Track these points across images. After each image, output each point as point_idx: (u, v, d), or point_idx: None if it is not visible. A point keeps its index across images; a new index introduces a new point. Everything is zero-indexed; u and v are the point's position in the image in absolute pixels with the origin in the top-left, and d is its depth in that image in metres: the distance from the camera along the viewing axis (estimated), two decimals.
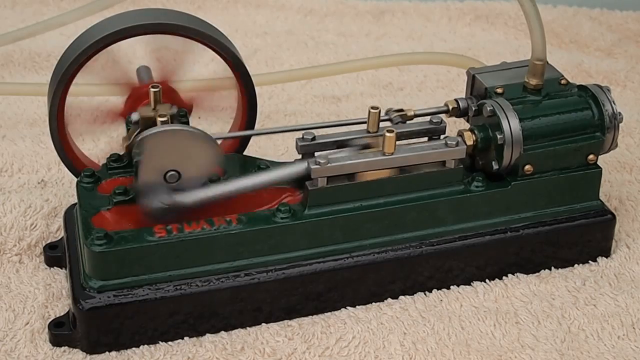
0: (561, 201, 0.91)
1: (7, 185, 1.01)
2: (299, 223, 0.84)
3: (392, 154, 0.84)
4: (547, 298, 0.89)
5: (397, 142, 0.85)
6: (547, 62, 0.91)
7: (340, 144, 0.87)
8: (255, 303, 0.84)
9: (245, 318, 0.85)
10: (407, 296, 0.88)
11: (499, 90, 0.90)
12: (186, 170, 0.82)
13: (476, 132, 0.88)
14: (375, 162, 0.84)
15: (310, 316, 0.87)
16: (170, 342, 0.83)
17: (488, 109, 0.88)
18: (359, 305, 0.88)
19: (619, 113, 0.90)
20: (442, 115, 0.91)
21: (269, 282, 0.84)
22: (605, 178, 1.00)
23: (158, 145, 0.81)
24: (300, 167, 0.84)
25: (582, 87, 0.92)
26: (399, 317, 0.86)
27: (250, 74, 0.90)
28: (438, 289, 0.89)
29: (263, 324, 0.86)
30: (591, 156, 0.90)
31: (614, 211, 0.94)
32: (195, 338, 0.84)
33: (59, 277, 0.90)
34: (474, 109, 0.91)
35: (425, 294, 0.89)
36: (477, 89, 0.93)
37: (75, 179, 0.88)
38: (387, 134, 0.84)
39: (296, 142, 0.88)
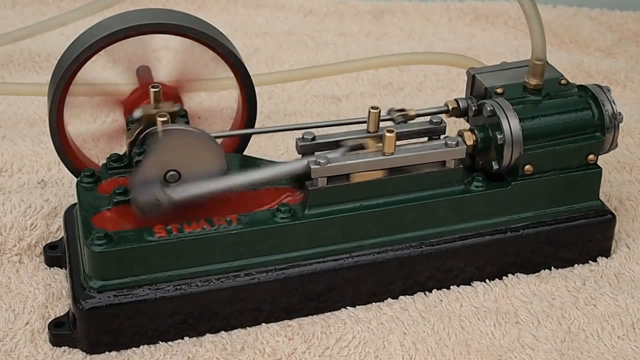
0: (561, 201, 0.91)
1: (7, 185, 1.01)
2: (299, 223, 0.84)
3: (392, 154, 0.84)
4: (547, 298, 0.89)
5: (397, 142, 0.85)
6: (547, 62, 0.91)
7: (340, 144, 0.87)
8: (255, 303, 0.84)
9: (245, 318, 0.85)
10: (407, 296, 0.88)
11: (499, 90, 0.90)
12: (187, 171, 0.82)
13: (476, 132, 0.88)
14: (376, 162, 0.84)
15: (310, 316, 0.87)
16: (170, 342, 0.83)
17: (488, 109, 0.88)
18: (359, 305, 0.88)
19: (619, 113, 0.90)
20: (442, 115, 0.91)
21: (269, 282, 0.84)
22: (605, 178, 1.00)
23: (167, 143, 0.81)
24: (299, 165, 0.84)
25: (582, 87, 0.92)
26: (399, 317, 0.86)
27: (250, 74, 0.90)
28: (438, 289, 0.89)
29: (263, 324, 0.86)
30: (591, 156, 0.90)
31: (614, 211, 0.94)
32: (195, 338, 0.84)
33: (59, 277, 0.90)
34: (474, 109, 0.91)
35: (425, 294, 0.89)
36: (477, 89, 0.93)
37: (75, 179, 0.88)
38: (387, 134, 0.84)
39: (296, 142, 0.88)
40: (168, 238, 0.81)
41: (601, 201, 0.93)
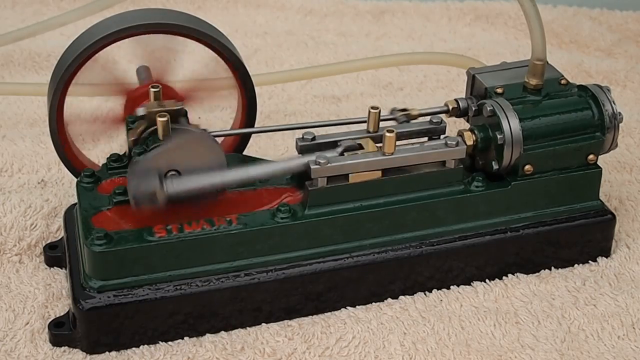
0: (561, 201, 0.91)
1: (7, 185, 1.01)
2: (299, 223, 0.84)
3: (392, 154, 0.84)
4: (547, 298, 0.89)
5: (397, 142, 0.85)
6: (547, 62, 0.91)
7: (340, 144, 0.87)
8: (255, 303, 0.84)
9: (245, 318, 0.85)
10: (407, 296, 0.88)
11: (499, 90, 0.90)
12: (187, 172, 0.82)
13: (476, 132, 0.88)
14: (376, 162, 0.84)
15: (310, 316, 0.87)
16: (170, 342, 0.83)
17: (488, 109, 0.88)
18: (359, 305, 0.88)
19: (619, 113, 0.90)
20: (442, 115, 0.91)
21: (269, 282, 0.84)
22: (605, 178, 1.00)
23: (184, 143, 0.81)
24: (298, 163, 0.84)
25: (582, 87, 0.92)
26: (399, 317, 0.86)
27: (250, 74, 0.90)
28: (438, 289, 0.89)
29: (263, 324, 0.86)
30: (591, 156, 0.90)
31: (614, 211, 0.94)
32: (195, 338, 0.84)
33: (59, 277, 0.90)
34: (474, 109, 0.91)
35: (425, 294, 0.89)
36: (477, 89, 0.93)
37: (75, 179, 0.88)
38: (387, 134, 0.84)
39: (296, 142, 0.88)
40: (168, 238, 0.81)
41: (601, 201, 0.93)
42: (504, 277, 0.91)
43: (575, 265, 0.93)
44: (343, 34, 1.37)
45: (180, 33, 0.86)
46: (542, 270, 0.92)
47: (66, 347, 0.83)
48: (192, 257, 0.82)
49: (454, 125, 1.09)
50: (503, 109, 0.87)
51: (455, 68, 1.22)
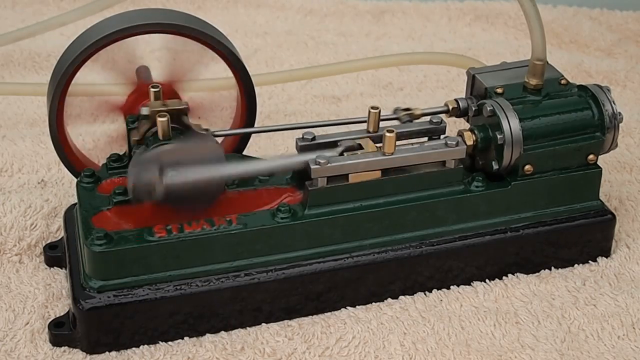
0: (561, 201, 0.91)
1: (7, 185, 1.01)
2: (299, 223, 0.84)
3: (392, 154, 0.84)
4: (547, 298, 0.89)
5: (397, 142, 0.85)
6: (547, 62, 0.91)
7: (340, 144, 0.87)
8: (255, 303, 0.84)
9: (245, 318, 0.85)
10: (407, 296, 0.88)
11: (499, 90, 0.90)
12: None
13: (476, 132, 0.88)
14: (375, 162, 0.84)
15: (310, 316, 0.87)
16: (170, 342, 0.83)
17: (488, 109, 0.88)
18: (359, 305, 0.88)
19: (619, 113, 0.90)
20: (442, 115, 0.91)
21: (269, 282, 0.84)
22: (605, 178, 1.00)
23: (188, 147, 0.81)
24: (297, 160, 0.84)
25: (582, 87, 0.91)
26: (399, 317, 0.86)
27: (250, 74, 0.90)
28: (438, 289, 0.89)
29: (263, 324, 0.86)
30: (591, 156, 0.90)
31: (614, 211, 0.94)
32: (195, 338, 0.84)
33: (59, 277, 0.90)
34: (474, 109, 0.91)
35: (425, 294, 0.89)
36: (477, 89, 0.93)
37: (75, 179, 0.88)
38: (387, 134, 0.84)
39: (296, 142, 0.88)
40: (168, 238, 0.81)
41: (601, 201, 0.93)
42: (504, 277, 0.91)
43: (575, 265, 0.93)
44: (343, 34, 1.37)
45: (180, 33, 0.86)
46: (542, 270, 0.92)
47: (66, 347, 0.83)
48: (192, 257, 0.82)
49: (454, 125, 1.09)
50: (503, 109, 0.87)
51: (455, 68, 1.22)
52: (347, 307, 0.87)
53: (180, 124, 0.84)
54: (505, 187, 0.88)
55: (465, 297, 0.89)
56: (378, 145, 0.86)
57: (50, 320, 0.84)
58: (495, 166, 0.88)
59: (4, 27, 1.30)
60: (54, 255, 0.92)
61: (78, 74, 0.86)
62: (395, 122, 0.90)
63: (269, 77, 1.16)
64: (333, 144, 0.87)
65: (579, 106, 0.89)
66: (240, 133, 0.92)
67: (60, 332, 0.83)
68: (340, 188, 0.84)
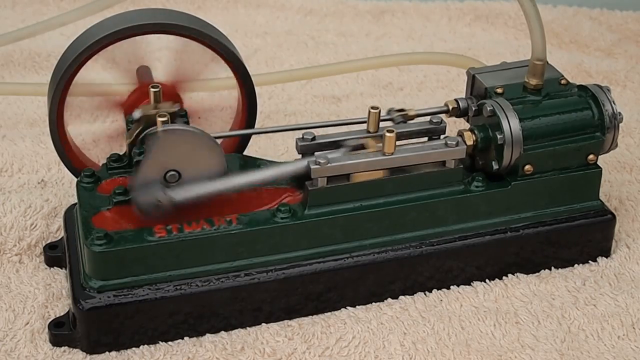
0: (561, 201, 0.91)
1: (7, 185, 1.01)
2: (299, 223, 0.84)
3: (392, 154, 0.84)
4: (547, 298, 0.89)
5: (397, 142, 0.85)
6: (547, 62, 0.91)
7: (340, 144, 0.87)
8: (255, 303, 0.84)
9: (245, 318, 0.85)
10: (407, 296, 0.88)
11: (499, 90, 0.90)
12: (186, 171, 0.82)
13: (476, 132, 0.88)
14: (376, 162, 0.84)
15: (310, 316, 0.87)
16: (170, 342, 0.83)
17: (488, 109, 0.88)
18: (359, 305, 0.88)
19: (619, 113, 0.90)
20: (442, 115, 0.91)
21: (269, 282, 0.84)
22: (605, 178, 1.00)
23: (167, 143, 0.81)
24: (300, 165, 0.84)
25: (582, 87, 0.92)
26: (399, 317, 0.86)
27: (250, 74, 0.90)
28: (438, 289, 0.89)
29: (263, 324, 0.86)
30: (591, 156, 0.90)
31: (614, 211, 0.94)
32: (195, 338, 0.84)
33: (59, 277, 0.90)
34: (474, 109, 0.91)
35: (425, 294, 0.89)
36: (477, 89, 0.93)
37: (75, 179, 0.88)
38: (387, 134, 0.84)
39: (296, 142, 0.88)
40: (168, 238, 0.81)
41: (601, 201, 0.93)
42: (504, 277, 0.91)
43: (575, 265, 0.93)
44: (343, 34, 1.37)
45: (180, 33, 0.86)
46: (542, 270, 0.92)
47: (66, 347, 0.83)
48: (192, 257, 0.82)
49: (454, 125, 1.09)
50: (503, 109, 0.87)
51: (455, 68, 1.22)
52: (347, 307, 0.87)
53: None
54: (505, 187, 0.88)
55: (465, 297, 0.89)
56: (378, 145, 0.86)
57: (50, 320, 0.84)
58: (495, 166, 0.88)
59: (4, 27, 1.30)
60: (54, 255, 0.92)
61: (78, 74, 0.86)
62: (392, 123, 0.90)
63: (269, 77, 1.16)
64: (333, 144, 0.87)
65: (579, 106, 0.89)
66: (240, 135, 0.92)
67: (60, 332, 0.83)
68: (340, 188, 0.84)
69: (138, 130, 0.85)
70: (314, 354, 0.83)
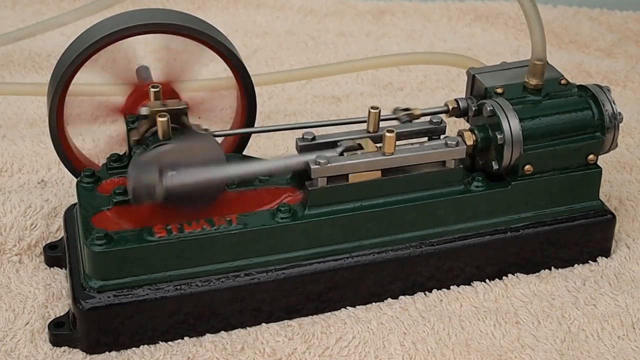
0: (561, 201, 0.91)
1: (7, 185, 1.01)
2: (299, 223, 0.84)
3: (392, 154, 0.84)
4: (547, 298, 0.89)
5: (397, 142, 0.85)
6: (547, 62, 0.91)
7: (340, 144, 0.87)
8: (255, 303, 0.84)
9: (245, 318, 0.85)
10: (407, 296, 0.88)
11: (499, 90, 0.90)
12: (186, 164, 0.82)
13: (476, 132, 0.88)
14: (375, 162, 0.84)
15: (310, 316, 0.87)
16: (170, 342, 0.83)
17: (488, 109, 0.88)
18: (359, 305, 0.88)
19: (619, 113, 0.90)
20: (442, 115, 0.91)
21: (269, 282, 0.84)
22: (605, 178, 1.00)
23: (188, 147, 0.81)
24: (299, 160, 0.84)
25: (582, 87, 0.92)
26: (399, 317, 0.86)
27: (250, 74, 0.90)
28: (438, 289, 0.89)
29: (263, 324, 0.86)
30: (591, 156, 0.90)
31: (614, 211, 0.94)
32: (195, 338, 0.84)
33: (59, 277, 0.90)
34: (474, 109, 0.91)
35: (425, 294, 0.89)
36: (477, 89, 0.93)
37: (75, 179, 0.88)
38: (387, 134, 0.84)
39: (296, 142, 0.88)
40: (168, 238, 0.81)
41: (601, 201, 0.93)
42: (504, 277, 0.91)
43: (575, 265, 0.93)
44: (343, 34, 1.37)
45: (180, 33, 0.86)
46: (542, 270, 0.92)
47: (66, 347, 0.83)
48: (192, 257, 0.82)
49: (454, 125, 1.09)
50: (503, 109, 0.87)
51: (455, 68, 1.22)
52: (347, 307, 0.87)
53: (180, 124, 0.84)
54: (505, 187, 0.88)
55: (465, 297, 0.89)
56: (378, 145, 0.86)
57: (50, 320, 0.84)
58: (495, 166, 0.88)
59: (4, 27, 1.30)
60: (54, 255, 0.92)
61: (78, 74, 0.86)
62: (395, 122, 0.90)
63: (269, 77, 1.16)
64: (333, 144, 0.87)
65: (579, 106, 0.89)
66: (240, 133, 0.92)
67: (60, 332, 0.83)
68: (340, 188, 0.84)
69: (145, 128, 0.84)
70: (314, 354, 0.83)
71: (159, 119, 0.82)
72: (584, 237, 0.92)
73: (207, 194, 0.83)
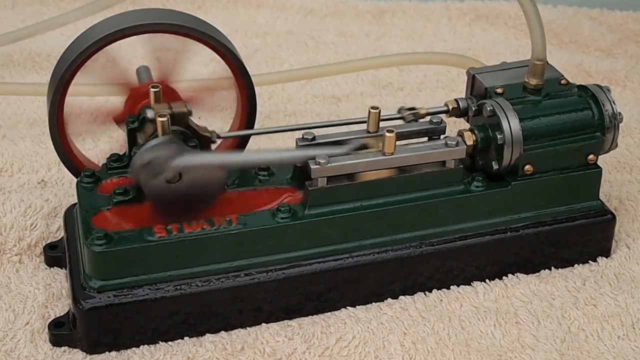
0: (561, 201, 0.91)
1: (7, 185, 1.01)
2: (299, 223, 0.84)
3: (392, 154, 0.84)
4: (547, 298, 0.89)
5: (397, 142, 0.85)
6: (547, 62, 0.91)
7: (340, 144, 0.87)
8: (255, 303, 0.84)
9: (245, 318, 0.85)
10: (407, 296, 0.88)
11: (499, 90, 0.90)
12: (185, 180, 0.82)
13: (476, 132, 0.88)
14: (375, 162, 0.84)
15: (310, 316, 0.87)
16: (170, 342, 0.83)
17: (488, 109, 0.88)
18: (359, 305, 0.88)
19: (619, 113, 0.90)
20: (442, 115, 0.91)
21: (269, 282, 0.84)
22: (605, 178, 1.00)
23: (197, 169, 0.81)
24: (301, 154, 0.84)
25: (582, 87, 0.92)
26: (399, 317, 0.86)
27: (250, 74, 0.90)
28: (438, 289, 0.89)
29: (263, 324, 0.86)
30: (591, 156, 0.90)
31: (614, 211, 0.94)
32: (195, 338, 0.84)
33: (59, 277, 0.90)
34: (474, 109, 0.91)
35: (425, 294, 0.89)
36: (477, 89, 0.93)
37: (75, 179, 0.88)
38: (387, 134, 0.84)
39: (296, 142, 0.88)
40: (168, 238, 0.81)
41: (601, 201, 0.93)
42: (504, 277, 0.91)
43: (575, 265, 0.93)
44: (343, 34, 1.37)
45: (180, 33, 0.86)
46: (542, 270, 0.92)
47: (66, 347, 0.83)
48: (192, 257, 0.82)
49: (454, 125, 1.09)
50: (503, 109, 0.87)
51: (455, 68, 1.22)
52: (347, 307, 0.87)
53: (185, 127, 0.84)
54: (505, 187, 0.88)
55: (465, 297, 0.89)
56: (379, 145, 0.86)
57: (50, 320, 0.84)
58: (495, 166, 0.88)
59: (4, 27, 1.30)
60: (54, 255, 0.92)
61: (78, 74, 0.86)
62: (395, 122, 0.90)
63: (269, 77, 1.16)
64: (333, 144, 0.87)
65: (579, 106, 0.89)
66: (241, 135, 0.92)
67: (60, 332, 0.83)
68: (340, 188, 0.84)
69: (152, 130, 0.84)
70: (314, 354, 0.83)
71: (159, 119, 0.82)
72: (584, 237, 0.92)
73: (207, 194, 0.83)
